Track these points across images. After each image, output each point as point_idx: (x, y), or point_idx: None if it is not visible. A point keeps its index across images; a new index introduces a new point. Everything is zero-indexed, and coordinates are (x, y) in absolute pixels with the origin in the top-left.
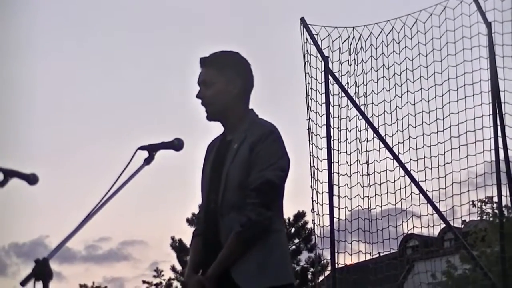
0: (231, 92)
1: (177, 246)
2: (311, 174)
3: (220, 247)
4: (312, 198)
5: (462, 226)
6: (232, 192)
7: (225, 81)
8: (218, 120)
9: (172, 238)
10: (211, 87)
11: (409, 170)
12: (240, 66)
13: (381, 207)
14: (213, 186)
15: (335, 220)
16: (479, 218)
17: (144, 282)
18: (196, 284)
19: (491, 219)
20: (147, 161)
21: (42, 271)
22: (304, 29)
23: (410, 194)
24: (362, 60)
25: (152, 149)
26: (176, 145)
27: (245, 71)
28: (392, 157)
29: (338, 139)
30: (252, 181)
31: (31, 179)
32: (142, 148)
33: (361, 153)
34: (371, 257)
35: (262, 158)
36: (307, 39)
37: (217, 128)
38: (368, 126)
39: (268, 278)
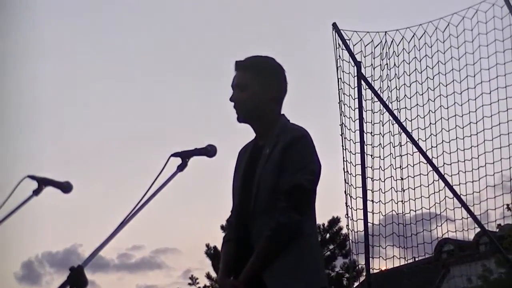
0: (264, 97)
1: (212, 253)
2: (345, 180)
3: (251, 251)
4: (346, 203)
5: (497, 230)
6: (264, 196)
7: (260, 85)
8: (249, 123)
9: (207, 246)
10: (245, 90)
11: (443, 174)
12: (275, 71)
13: (415, 211)
14: (244, 191)
15: (369, 225)
16: None
17: None
18: (230, 287)
19: None
20: (180, 167)
21: (77, 279)
22: (336, 34)
23: (444, 198)
24: (395, 64)
25: (185, 156)
26: (209, 151)
27: (280, 76)
28: (425, 162)
29: (372, 144)
30: (283, 184)
31: (65, 187)
32: (175, 155)
33: (395, 158)
34: (406, 262)
35: (293, 162)
36: (339, 44)
37: (249, 134)
38: (401, 131)
39: (301, 283)
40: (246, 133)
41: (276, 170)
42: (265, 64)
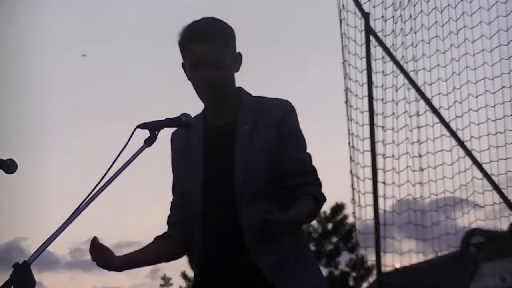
0: (233, 71)
1: None
2: (350, 157)
3: (241, 241)
4: (352, 186)
5: None
6: (257, 179)
7: (230, 58)
8: (220, 103)
9: None
10: (221, 67)
11: (470, 150)
12: (233, 35)
13: (437, 195)
14: (214, 178)
15: (381, 212)
16: None
17: None
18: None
19: None
20: (148, 142)
21: (22, 279)
22: None
23: (472, 179)
24: (411, 16)
25: (154, 128)
26: (183, 121)
27: (234, 39)
28: (449, 134)
29: (383, 114)
30: (290, 164)
31: (8, 167)
32: (141, 126)
33: (411, 130)
34: (426, 258)
35: (293, 138)
36: None
37: None
38: (419, 97)
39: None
40: None
41: (268, 149)
42: (229, 32)
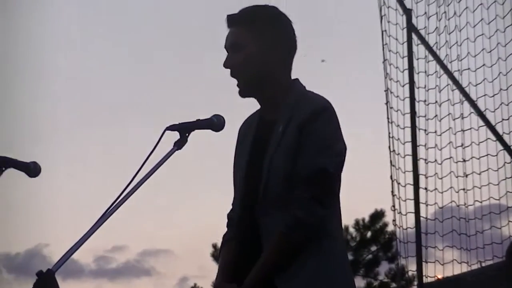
0: (267, 57)
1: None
2: (391, 162)
3: (260, 253)
4: (392, 192)
5: None
6: (276, 186)
7: (259, 41)
8: (253, 95)
9: (214, 246)
10: (240, 51)
11: None
12: (278, 22)
13: (481, 202)
14: (251, 179)
15: (422, 220)
16: None
17: None
18: None
19: None
20: (178, 144)
21: (46, 287)
22: None
23: None
24: (455, 13)
25: (184, 129)
26: (215, 123)
27: (284, 29)
28: (494, 138)
29: (425, 116)
30: (301, 170)
31: (31, 170)
32: (171, 128)
33: (455, 134)
34: (469, 268)
35: (314, 141)
36: None
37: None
38: (464, 99)
39: None
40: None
41: (291, 153)
42: (263, 14)
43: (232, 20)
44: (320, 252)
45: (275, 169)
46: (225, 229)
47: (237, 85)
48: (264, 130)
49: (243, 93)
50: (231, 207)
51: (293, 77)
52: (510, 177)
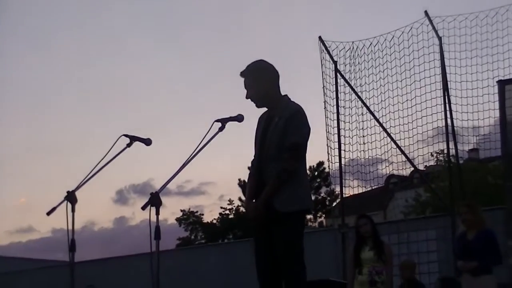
0: (265, 87)
1: (242, 185)
2: (327, 137)
3: (264, 184)
4: (328, 152)
5: (425, 168)
6: (272, 150)
7: (259, 82)
8: (264, 106)
9: (239, 179)
10: (251, 88)
11: (390, 134)
12: (266, 69)
13: (372, 157)
14: (261, 144)
15: (343, 166)
16: (435, 163)
17: (221, 208)
18: (253, 207)
19: (443, 164)
20: (221, 129)
21: (155, 200)
22: (321, 43)
23: (390, 149)
24: (358, 63)
25: (224, 121)
26: (240, 118)
27: (269, 71)
28: (378, 125)
29: (344, 114)
30: (286, 142)
31: (148, 142)
32: (217, 120)
33: (359, 123)
34: (366, 190)
35: (293, 127)
36: (323, 50)
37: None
38: (363, 105)
39: (296, 205)
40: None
41: (281, 132)
42: (258, 66)
43: (243, 73)
44: (294, 183)
45: (272, 141)
46: (248, 171)
47: (255, 104)
48: (268, 120)
49: (258, 106)
50: (252, 159)
51: (283, 93)
52: (386, 144)
